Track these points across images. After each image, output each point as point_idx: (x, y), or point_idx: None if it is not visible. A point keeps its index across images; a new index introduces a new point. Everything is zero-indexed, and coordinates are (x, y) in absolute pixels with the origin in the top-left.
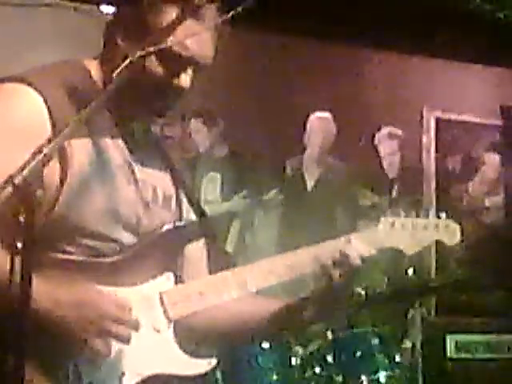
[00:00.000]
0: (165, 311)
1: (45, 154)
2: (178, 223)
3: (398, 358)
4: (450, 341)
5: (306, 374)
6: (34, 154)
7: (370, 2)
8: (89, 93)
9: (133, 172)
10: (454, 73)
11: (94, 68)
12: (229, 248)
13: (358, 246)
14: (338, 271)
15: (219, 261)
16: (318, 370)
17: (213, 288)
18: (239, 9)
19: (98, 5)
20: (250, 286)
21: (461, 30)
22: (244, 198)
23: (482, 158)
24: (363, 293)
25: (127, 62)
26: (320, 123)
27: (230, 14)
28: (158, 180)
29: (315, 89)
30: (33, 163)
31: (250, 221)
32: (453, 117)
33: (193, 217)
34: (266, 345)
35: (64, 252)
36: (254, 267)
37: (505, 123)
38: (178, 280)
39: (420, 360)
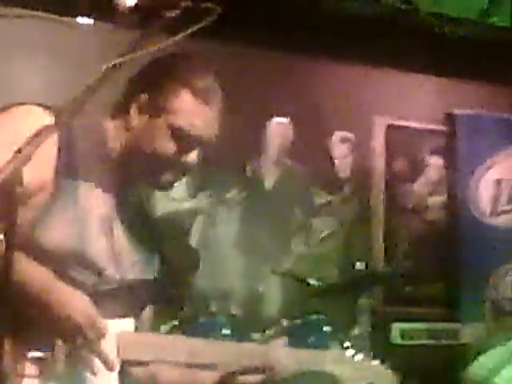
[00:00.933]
0: (117, 351)
1: (25, 154)
2: (143, 280)
3: (347, 344)
4: (396, 328)
5: None
6: (15, 154)
7: (325, 16)
8: (99, 147)
9: (111, 226)
10: (402, 82)
11: (109, 128)
12: (193, 242)
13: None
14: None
15: (184, 254)
16: None
17: (164, 346)
18: (204, 22)
19: (75, 17)
20: (198, 357)
21: (409, 42)
22: (208, 197)
23: (427, 161)
24: (316, 283)
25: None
26: (278, 128)
27: (195, 27)
28: (128, 242)
29: (274, 96)
30: (13, 163)
31: (212, 217)
32: (400, 123)
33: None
34: (226, 331)
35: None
36: (207, 344)
37: (448, 129)
38: (137, 328)
39: (368, 346)
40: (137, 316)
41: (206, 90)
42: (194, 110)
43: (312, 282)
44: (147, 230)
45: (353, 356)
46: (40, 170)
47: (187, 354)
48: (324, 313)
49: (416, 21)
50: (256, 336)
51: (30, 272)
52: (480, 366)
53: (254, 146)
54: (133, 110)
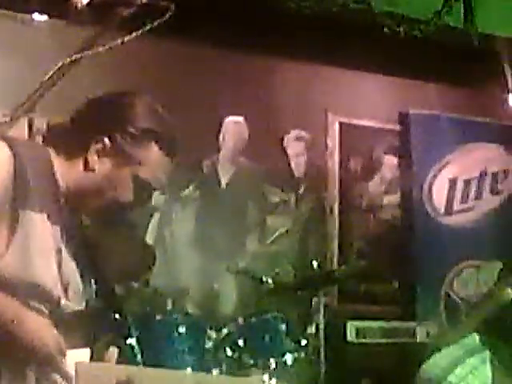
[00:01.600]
0: (76, 380)
1: None
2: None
3: (303, 342)
4: (351, 327)
5: (219, 357)
6: None
7: (279, 15)
8: (48, 182)
9: (60, 258)
10: (356, 81)
11: (58, 165)
12: (149, 240)
13: None
14: None
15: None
16: (229, 352)
17: (121, 376)
18: (159, 21)
19: (31, 13)
20: None
21: (363, 41)
22: (163, 194)
23: (381, 160)
24: (271, 281)
25: None
26: (234, 126)
27: (150, 25)
28: (74, 270)
29: (230, 95)
30: None
31: (168, 215)
32: (355, 121)
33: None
34: (182, 329)
35: None
36: (164, 375)
37: (402, 128)
38: (94, 357)
39: (323, 344)
40: (91, 345)
41: (171, 143)
42: (158, 163)
43: (267, 280)
44: (91, 260)
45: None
46: None
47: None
48: (279, 311)
49: (370, 20)
50: (212, 334)
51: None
52: (434, 364)
53: (209, 145)
54: (93, 152)
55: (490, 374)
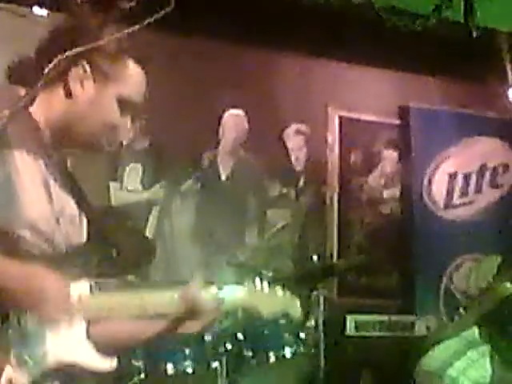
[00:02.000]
0: (79, 312)
1: None
2: (84, 242)
3: (302, 336)
4: (350, 320)
5: (219, 350)
6: None
7: (281, 8)
8: (24, 116)
9: (49, 190)
10: (357, 75)
11: (36, 110)
12: (148, 233)
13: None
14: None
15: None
16: (229, 346)
17: (119, 304)
18: (160, 14)
19: (31, 7)
20: (149, 311)
21: (364, 36)
22: (163, 188)
23: (381, 154)
24: (271, 275)
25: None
26: (234, 120)
27: (152, 18)
28: (67, 200)
29: (230, 88)
30: None
31: (168, 208)
32: (355, 115)
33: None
34: None
35: None
36: (157, 297)
37: (402, 122)
38: (93, 289)
39: (322, 337)
40: (90, 277)
41: (145, 56)
42: (138, 79)
43: (267, 273)
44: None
45: (261, 288)
46: None
47: (139, 309)
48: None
49: (371, 14)
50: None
51: None
52: (434, 357)
53: (209, 138)
54: (73, 78)
55: (489, 367)
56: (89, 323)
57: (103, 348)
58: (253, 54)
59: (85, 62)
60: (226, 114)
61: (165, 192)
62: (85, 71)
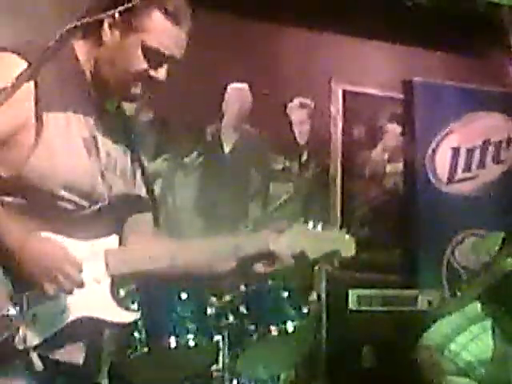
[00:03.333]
0: (106, 266)
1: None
2: (128, 193)
3: (304, 310)
4: (352, 294)
5: (221, 323)
6: None
7: None
8: (73, 72)
9: (97, 145)
10: (360, 49)
11: (80, 50)
12: None
13: (286, 244)
14: (262, 266)
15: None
16: (231, 319)
17: (150, 255)
18: None
19: None
20: (179, 260)
21: (368, 10)
22: (166, 160)
23: (384, 128)
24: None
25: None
26: (237, 93)
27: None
28: (120, 154)
29: (233, 62)
30: None
31: (171, 181)
32: (359, 89)
33: (143, 192)
34: (184, 295)
35: (27, 207)
36: (186, 246)
37: (405, 96)
38: (122, 243)
39: (324, 311)
40: (119, 231)
41: (177, 11)
42: (164, 30)
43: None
44: (128, 136)
45: (314, 227)
46: (19, 109)
47: (169, 259)
48: (281, 278)
49: None
50: (214, 301)
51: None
52: (436, 332)
53: (213, 111)
54: (105, 26)
55: (491, 342)
56: (113, 278)
57: (126, 302)
58: (256, 28)
59: (117, 12)
60: (230, 88)
61: (168, 165)
62: (114, 20)
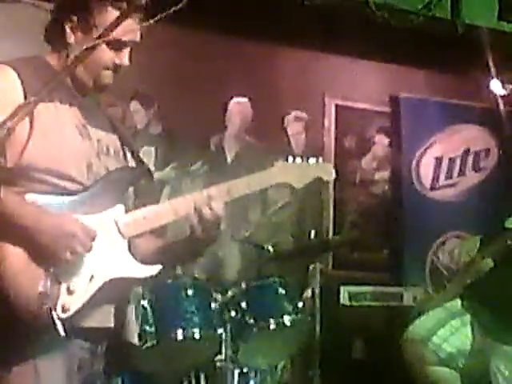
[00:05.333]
0: (119, 231)
1: (8, 128)
2: (122, 167)
3: (300, 305)
4: (344, 291)
5: (224, 317)
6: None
7: (283, 6)
8: (49, 75)
9: (87, 132)
10: (351, 67)
11: (53, 60)
12: None
13: (217, 198)
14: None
15: None
16: (233, 313)
17: (154, 214)
18: (173, 9)
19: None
20: (180, 214)
21: (359, 31)
22: (174, 169)
23: (373, 139)
24: (272, 249)
25: (79, 53)
26: (239, 107)
27: (163, 14)
28: (110, 139)
29: (236, 79)
30: None
31: (178, 188)
32: (350, 104)
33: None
34: (190, 292)
35: (36, 191)
36: (185, 199)
37: (393, 111)
38: (127, 209)
39: (318, 306)
40: (123, 200)
41: (128, 5)
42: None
43: (268, 248)
44: (109, 126)
45: (293, 161)
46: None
47: (172, 215)
48: (279, 276)
49: (365, 11)
50: (217, 296)
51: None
52: (420, 326)
53: (217, 123)
54: (68, 30)
55: (470, 335)
56: (129, 240)
57: (145, 258)
58: (257, 47)
59: (75, 17)
60: (232, 102)
61: (176, 173)
62: (73, 24)
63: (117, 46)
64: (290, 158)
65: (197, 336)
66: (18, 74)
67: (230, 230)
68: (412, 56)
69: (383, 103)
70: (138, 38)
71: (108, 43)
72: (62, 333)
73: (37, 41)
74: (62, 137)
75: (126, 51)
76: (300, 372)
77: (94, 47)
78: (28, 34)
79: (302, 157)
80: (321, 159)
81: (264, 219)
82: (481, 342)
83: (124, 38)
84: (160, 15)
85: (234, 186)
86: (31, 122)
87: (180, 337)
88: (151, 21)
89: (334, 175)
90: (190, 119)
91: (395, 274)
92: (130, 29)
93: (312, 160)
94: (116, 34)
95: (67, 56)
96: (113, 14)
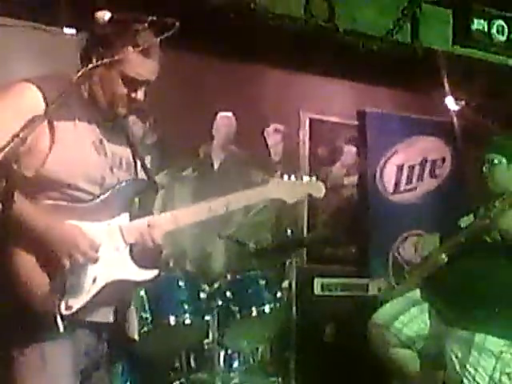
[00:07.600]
0: (123, 237)
1: (21, 138)
2: (131, 179)
3: (278, 295)
4: (317, 282)
5: (211, 306)
6: (13, 137)
7: (264, 32)
8: (76, 97)
9: (103, 147)
10: (324, 85)
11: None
12: (155, 211)
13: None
14: None
15: None
16: (219, 302)
17: (156, 222)
18: (167, 34)
19: (62, 27)
20: (181, 222)
21: (330, 54)
22: (167, 175)
23: (343, 149)
24: (253, 246)
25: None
26: (224, 120)
27: (160, 38)
28: (123, 153)
29: (222, 95)
30: (11, 144)
31: (171, 192)
32: (322, 118)
33: (144, 176)
34: (181, 283)
35: (51, 198)
36: (187, 210)
37: (360, 124)
38: (132, 218)
39: (294, 296)
40: (129, 209)
41: (147, 46)
42: (137, 62)
43: (250, 244)
44: (125, 140)
45: (289, 178)
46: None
47: (173, 224)
48: (260, 270)
49: (336, 37)
50: (205, 287)
51: (31, 212)
52: (383, 312)
53: (205, 134)
54: (94, 59)
55: (427, 321)
56: (130, 246)
57: (144, 262)
58: (241, 68)
59: (100, 49)
60: (219, 116)
61: (168, 178)
62: (98, 56)
63: (133, 83)
64: (285, 176)
65: (187, 322)
66: (41, 91)
67: (217, 228)
68: (377, 76)
69: (351, 117)
70: (152, 79)
71: (124, 79)
72: (62, 329)
73: (45, 62)
74: (79, 153)
75: (142, 89)
76: (278, 354)
77: (111, 78)
78: (38, 56)
79: (295, 175)
80: (314, 178)
81: (246, 219)
82: (436, 328)
83: (141, 79)
84: (161, 37)
85: (233, 200)
86: (53, 137)
87: (173, 322)
88: (146, 45)
89: (323, 192)
90: (181, 131)
91: (362, 267)
92: (150, 70)
93: (306, 178)
94: (136, 74)
95: (90, 76)
96: (132, 53)
